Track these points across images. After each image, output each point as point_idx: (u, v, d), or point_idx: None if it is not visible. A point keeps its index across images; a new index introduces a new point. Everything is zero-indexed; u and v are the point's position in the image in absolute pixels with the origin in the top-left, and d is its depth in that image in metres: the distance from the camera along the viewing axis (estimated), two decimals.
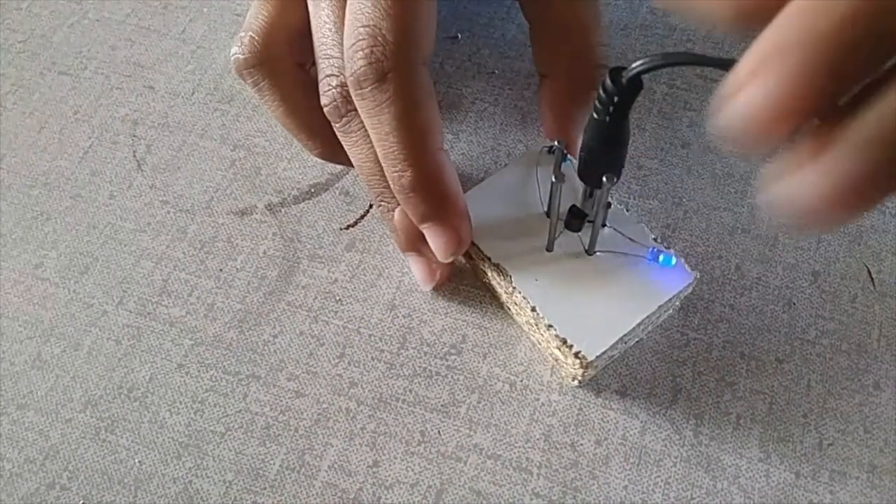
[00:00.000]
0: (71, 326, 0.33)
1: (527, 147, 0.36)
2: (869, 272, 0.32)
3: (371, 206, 0.35)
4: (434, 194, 0.28)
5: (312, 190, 0.36)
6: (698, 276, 0.29)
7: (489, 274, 0.31)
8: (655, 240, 0.30)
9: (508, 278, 0.30)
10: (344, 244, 0.34)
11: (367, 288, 0.33)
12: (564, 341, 0.28)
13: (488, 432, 0.30)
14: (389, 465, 0.29)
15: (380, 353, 0.32)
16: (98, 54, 0.41)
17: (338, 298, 0.33)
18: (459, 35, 0.40)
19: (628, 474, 0.29)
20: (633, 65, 0.22)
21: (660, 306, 0.29)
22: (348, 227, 0.35)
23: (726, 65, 0.21)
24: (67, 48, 0.42)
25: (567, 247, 0.30)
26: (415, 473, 0.29)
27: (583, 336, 0.28)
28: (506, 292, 0.30)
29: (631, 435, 0.30)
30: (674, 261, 0.29)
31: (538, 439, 0.30)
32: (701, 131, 0.36)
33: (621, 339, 0.28)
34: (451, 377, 0.31)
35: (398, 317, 0.32)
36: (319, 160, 0.35)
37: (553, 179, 0.27)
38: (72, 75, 0.41)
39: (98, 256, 0.35)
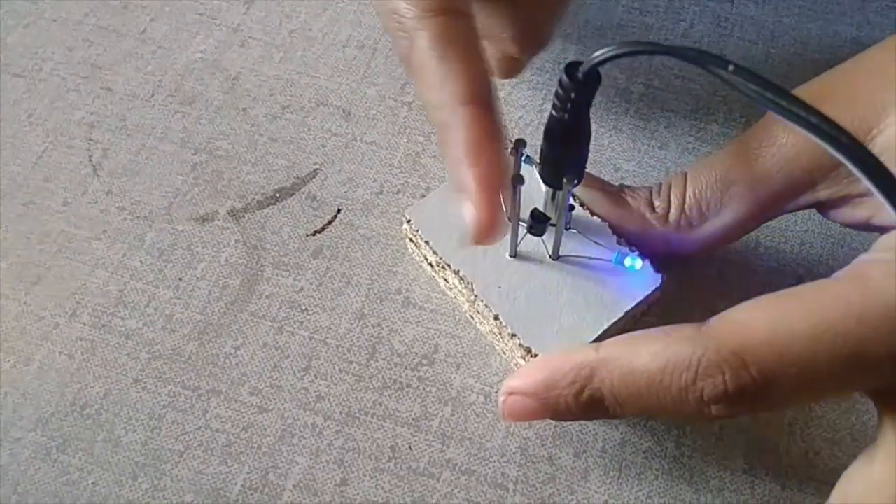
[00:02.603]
0: (21, 340, 0.31)
1: None
2: None
3: (339, 210, 0.34)
4: (448, 156, 0.24)
5: (277, 195, 0.34)
6: (665, 279, 0.28)
7: (451, 282, 0.30)
8: (619, 242, 0.29)
9: (470, 286, 0.29)
10: (310, 251, 0.33)
11: (334, 297, 0.32)
12: (529, 350, 0.27)
13: (462, 447, 0.28)
14: (358, 484, 0.28)
15: (348, 365, 0.30)
16: (54, 55, 0.39)
17: (303, 308, 0.31)
18: None
19: (608, 489, 0.28)
20: (590, 57, 0.21)
21: (626, 312, 0.28)
22: (315, 233, 0.33)
23: (684, 55, 0.20)
24: (23, 49, 0.40)
25: (531, 252, 0.29)
26: (385, 492, 0.28)
27: (547, 345, 0.27)
28: (468, 301, 0.29)
29: (611, 447, 0.28)
30: (639, 264, 0.28)
31: (514, 453, 0.28)
32: (679, 132, 0.35)
33: None
34: (423, 389, 0.30)
35: (367, 326, 0.31)
36: (285, 163, 0.34)
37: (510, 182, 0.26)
38: (26, 77, 0.39)
39: (51, 266, 0.33)
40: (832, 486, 0.27)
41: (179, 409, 0.29)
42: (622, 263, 0.28)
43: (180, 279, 0.32)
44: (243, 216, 0.34)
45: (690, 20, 0.39)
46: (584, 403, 0.24)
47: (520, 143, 0.27)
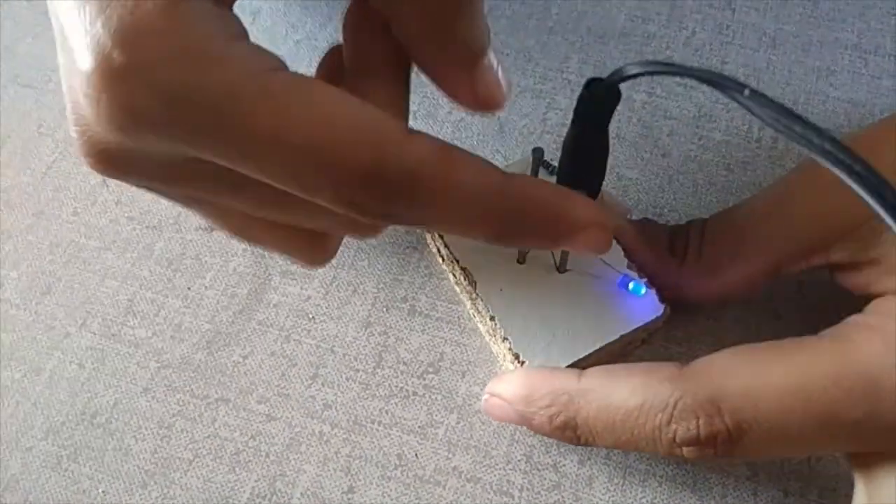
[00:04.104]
0: (32, 350, 0.32)
1: (505, 158, 0.36)
2: None
3: None
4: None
5: None
6: (668, 311, 0.29)
7: (456, 277, 0.30)
8: (629, 266, 0.29)
9: (473, 284, 0.29)
10: None
11: (341, 305, 0.32)
12: (517, 357, 0.27)
13: (468, 454, 0.29)
14: (365, 491, 0.28)
15: (354, 374, 0.30)
16: None
17: (311, 316, 0.32)
18: None
19: (613, 495, 0.28)
20: (610, 74, 0.22)
21: (622, 336, 0.28)
22: None
23: (702, 77, 0.20)
24: (31, 60, 0.40)
25: (538, 261, 0.30)
26: (392, 499, 0.28)
27: (536, 354, 0.27)
28: (470, 298, 0.30)
29: (615, 454, 0.29)
30: (643, 291, 0.28)
31: (519, 461, 0.29)
32: (681, 140, 0.36)
33: (575, 363, 0.27)
34: (429, 397, 0.30)
35: (373, 335, 0.31)
36: None
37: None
38: (36, 88, 0.39)
39: (61, 276, 0.33)
40: (835, 491, 0.28)
41: (188, 418, 0.30)
42: (626, 288, 0.28)
43: (189, 288, 0.33)
44: None
45: (692, 28, 0.40)
46: (557, 427, 0.25)
47: (537, 152, 0.28)
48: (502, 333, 0.28)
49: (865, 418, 0.21)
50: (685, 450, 0.23)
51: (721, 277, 0.28)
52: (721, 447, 0.22)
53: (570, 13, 0.40)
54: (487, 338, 0.30)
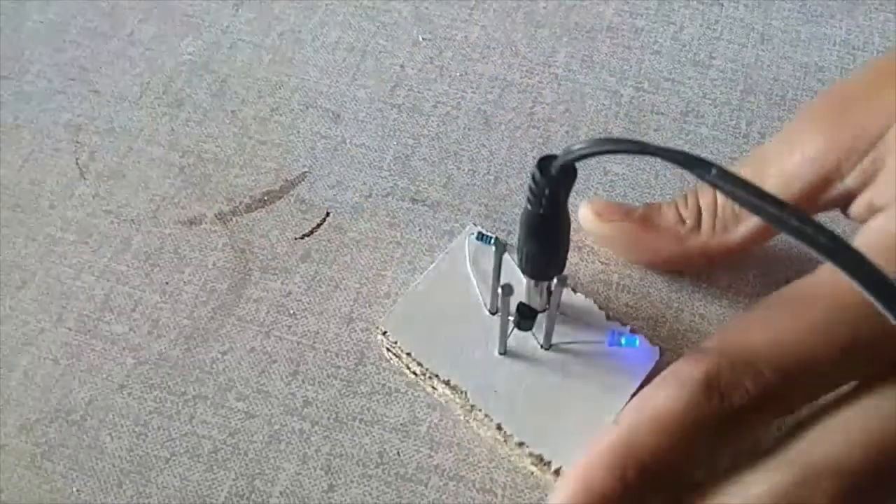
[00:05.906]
0: (6, 346, 0.31)
1: (490, 152, 0.35)
2: None
3: (327, 214, 0.34)
4: None
5: (266, 198, 0.34)
6: (662, 350, 0.28)
7: (440, 390, 0.28)
8: (608, 317, 0.28)
9: (464, 395, 0.27)
10: (299, 255, 0.33)
11: (322, 301, 0.31)
12: (541, 458, 0.26)
13: (450, 452, 0.28)
14: (345, 490, 0.28)
15: (336, 370, 0.30)
16: (41, 57, 0.39)
17: (291, 312, 0.31)
18: (422, 38, 0.39)
19: None
20: (564, 152, 0.20)
21: (632, 394, 0.26)
22: (303, 236, 0.33)
23: (665, 155, 0.19)
24: (9, 51, 0.40)
25: (520, 345, 0.28)
26: (372, 498, 0.27)
27: (558, 448, 0.25)
28: (463, 409, 0.27)
29: None
30: (637, 342, 0.27)
31: (502, 459, 0.28)
32: (669, 135, 0.35)
33: None
34: (411, 394, 0.29)
35: (356, 331, 0.31)
36: (274, 166, 0.33)
37: (500, 291, 0.25)
38: (13, 79, 0.39)
39: (36, 270, 0.33)
40: None
41: (165, 415, 0.29)
42: (618, 343, 0.27)
43: (167, 283, 0.32)
44: (231, 219, 0.34)
45: (680, 23, 0.39)
46: (630, 479, 0.22)
47: (499, 246, 0.27)
48: (516, 439, 0.26)
49: (887, 330, 0.20)
50: (752, 418, 0.22)
51: (744, 226, 0.28)
52: (775, 400, 0.22)
53: (558, 7, 0.40)
54: (493, 443, 0.28)
